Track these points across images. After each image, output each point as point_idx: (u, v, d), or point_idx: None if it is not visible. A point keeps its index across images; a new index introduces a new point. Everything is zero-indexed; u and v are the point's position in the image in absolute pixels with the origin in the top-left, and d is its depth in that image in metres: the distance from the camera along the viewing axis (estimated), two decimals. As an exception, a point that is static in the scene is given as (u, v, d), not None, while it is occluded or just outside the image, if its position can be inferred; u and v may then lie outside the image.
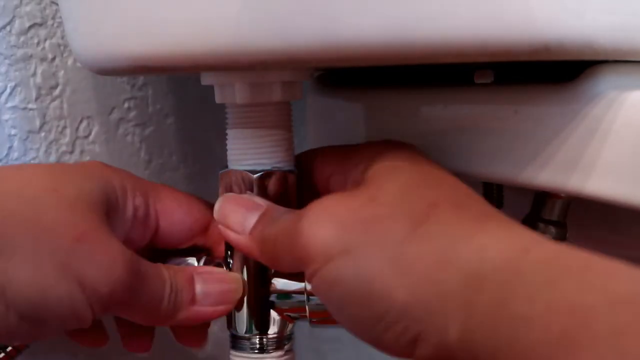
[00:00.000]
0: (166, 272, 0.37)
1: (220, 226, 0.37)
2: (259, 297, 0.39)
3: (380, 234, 0.31)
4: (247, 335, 0.39)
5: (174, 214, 0.40)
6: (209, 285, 0.38)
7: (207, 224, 0.41)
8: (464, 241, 0.29)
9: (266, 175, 0.38)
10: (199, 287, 0.37)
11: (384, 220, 0.31)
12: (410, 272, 0.29)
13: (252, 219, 0.36)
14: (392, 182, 0.33)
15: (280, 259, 0.34)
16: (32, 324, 0.32)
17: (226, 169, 0.39)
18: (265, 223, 0.35)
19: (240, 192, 0.38)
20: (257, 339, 0.39)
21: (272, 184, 0.38)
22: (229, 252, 0.39)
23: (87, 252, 0.33)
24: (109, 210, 0.36)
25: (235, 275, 0.39)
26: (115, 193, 0.37)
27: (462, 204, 0.32)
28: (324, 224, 0.32)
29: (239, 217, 0.36)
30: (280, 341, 0.39)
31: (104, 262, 0.33)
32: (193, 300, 0.37)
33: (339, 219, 0.32)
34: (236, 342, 0.40)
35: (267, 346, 0.39)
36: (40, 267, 0.32)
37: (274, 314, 0.39)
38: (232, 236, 0.36)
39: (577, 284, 0.26)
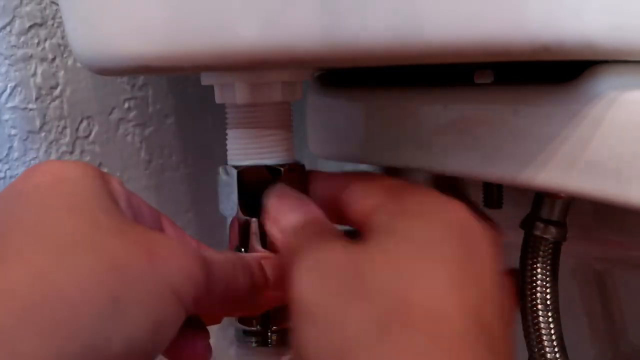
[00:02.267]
0: (231, 256, 0.35)
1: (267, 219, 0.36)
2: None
3: (350, 317, 0.28)
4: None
5: None
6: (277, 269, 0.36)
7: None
8: None
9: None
10: (268, 267, 0.36)
11: (360, 302, 0.28)
12: None
13: (295, 217, 0.35)
14: (390, 253, 0.30)
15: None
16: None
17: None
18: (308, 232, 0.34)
19: None
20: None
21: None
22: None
23: (164, 259, 0.30)
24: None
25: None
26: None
27: (439, 319, 0.27)
28: (307, 282, 0.30)
29: (288, 212, 0.35)
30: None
31: (183, 264, 0.31)
32: (267, 282, 0.36)
33: (325, 276, 0.30)
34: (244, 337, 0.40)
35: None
36: (148, 298, 0.29)
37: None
38: (275, 231, 0.35)
39: None
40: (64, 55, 0.46)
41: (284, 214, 0.35)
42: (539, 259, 0.41)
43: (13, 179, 0.42)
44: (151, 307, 0.28)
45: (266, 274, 0.36)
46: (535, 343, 0.41)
